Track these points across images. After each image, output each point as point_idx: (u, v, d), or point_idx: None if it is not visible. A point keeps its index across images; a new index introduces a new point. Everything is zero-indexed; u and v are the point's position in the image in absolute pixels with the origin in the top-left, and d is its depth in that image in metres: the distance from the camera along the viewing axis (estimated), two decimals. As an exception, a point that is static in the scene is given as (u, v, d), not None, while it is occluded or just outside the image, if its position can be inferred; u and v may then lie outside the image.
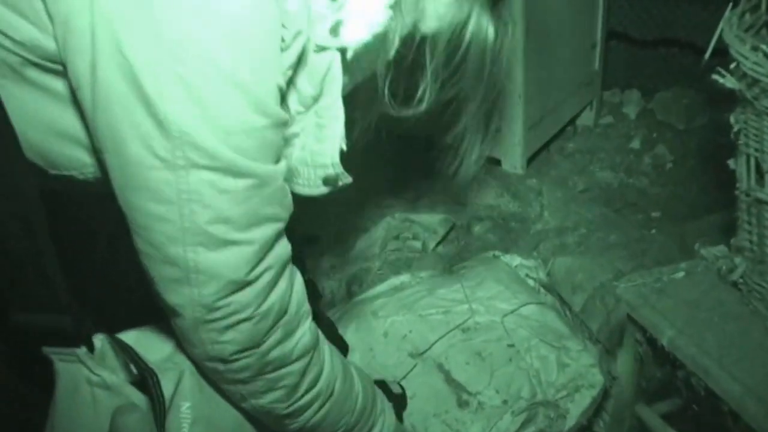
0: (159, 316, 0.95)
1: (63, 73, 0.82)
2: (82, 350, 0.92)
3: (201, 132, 0.79)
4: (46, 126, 0.87)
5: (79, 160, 0.90)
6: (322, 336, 1.07)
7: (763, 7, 1.20)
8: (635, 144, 2.46)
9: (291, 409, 1.03)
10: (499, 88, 1.14)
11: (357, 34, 0.90)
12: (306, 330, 1.01)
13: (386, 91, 1.05)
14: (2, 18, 0.80)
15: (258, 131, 0.83)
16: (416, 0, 0.97)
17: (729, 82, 1.12)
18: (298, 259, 1.01)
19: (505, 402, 1.47)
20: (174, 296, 0.88)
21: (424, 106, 1.06)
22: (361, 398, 1.16)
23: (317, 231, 2.10)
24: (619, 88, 2.72)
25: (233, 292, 0.88)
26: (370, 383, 1.23)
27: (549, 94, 2.31)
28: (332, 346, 1.12)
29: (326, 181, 1.03)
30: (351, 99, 1.03)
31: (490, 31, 1.00)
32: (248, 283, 0.89)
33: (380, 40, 0.94)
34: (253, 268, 0.88)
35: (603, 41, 2.53)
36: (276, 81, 0.85)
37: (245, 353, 0.94)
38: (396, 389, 1.37)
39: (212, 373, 0.98)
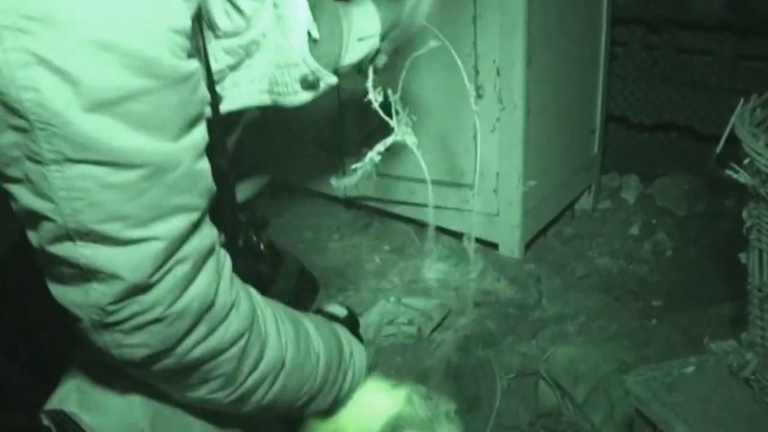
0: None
1: None
2: None
3: (70, 116, 0.67)
4: None
5: None
6: (260, 302, 0.95)
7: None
8: (634, 230, 2.44)
9: (235, 395, 0.92)
10: None
11: None
12: (234, 317, 0.88)
13: None
14: None
15: (149, 96, 0.70)
16: None
17: (742, 177, 1.12)
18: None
19: None
20: (69, 295, 0.78)
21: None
22: (323, 358, 1.04)
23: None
24: (618, 172, 2.72)
25: (134, 295, 0.77)
26: (331, 331, 1.10)
27: (547, 178, 2.29)
28: (277, 306, 0.99)
29: (305, 84, 0.93)
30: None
31: None
32: (153, 285, 0.78)
33: None
34: (158, 268, 0.77)
35: (602, 126, 2.54)
36: (171, 25, 0.72)
37: (160, 356, 0.83)
38: (341, 312, 1.24)
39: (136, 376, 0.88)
